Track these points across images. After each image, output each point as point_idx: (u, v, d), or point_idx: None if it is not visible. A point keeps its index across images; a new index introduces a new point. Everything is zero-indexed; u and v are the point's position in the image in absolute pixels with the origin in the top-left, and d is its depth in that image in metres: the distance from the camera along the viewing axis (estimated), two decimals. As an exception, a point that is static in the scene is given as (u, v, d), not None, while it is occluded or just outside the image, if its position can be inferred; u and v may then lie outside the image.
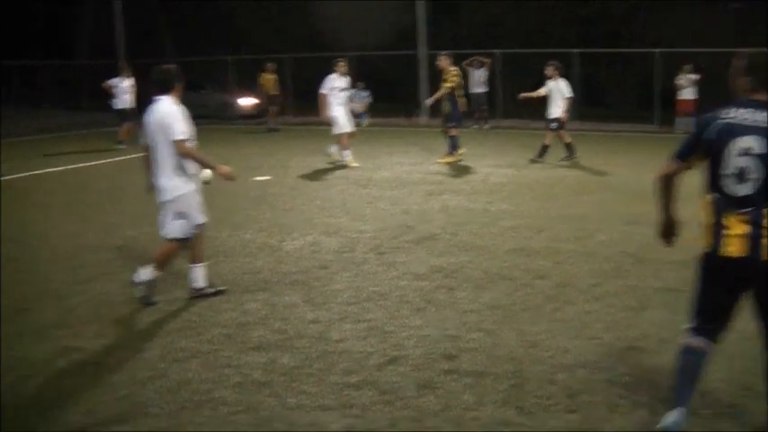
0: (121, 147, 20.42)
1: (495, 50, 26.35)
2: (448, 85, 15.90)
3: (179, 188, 7.18)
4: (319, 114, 16.41)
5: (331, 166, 16.11)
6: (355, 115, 26.03)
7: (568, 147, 16.19)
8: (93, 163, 18.18)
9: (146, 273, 7.25)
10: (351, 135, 16.32)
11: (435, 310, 6.88)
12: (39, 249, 9.62)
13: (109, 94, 21.25)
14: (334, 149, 16.39)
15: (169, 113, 7.10)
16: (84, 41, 34.85)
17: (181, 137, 7.06)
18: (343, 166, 15.88)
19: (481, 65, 25.05)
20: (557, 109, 16.03)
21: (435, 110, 24.42)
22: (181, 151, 7.08)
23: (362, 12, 31.99)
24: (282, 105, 26.89)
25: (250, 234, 9.92)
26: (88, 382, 5.61)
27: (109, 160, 18.57)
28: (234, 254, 8.90)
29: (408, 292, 7.43)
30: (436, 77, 17.24)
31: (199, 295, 7.37)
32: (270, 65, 25.91)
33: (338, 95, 16.15)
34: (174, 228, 7.26)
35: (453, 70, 16.09)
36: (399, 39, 29.17)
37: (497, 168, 15.54)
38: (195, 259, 7.44)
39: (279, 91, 26.20)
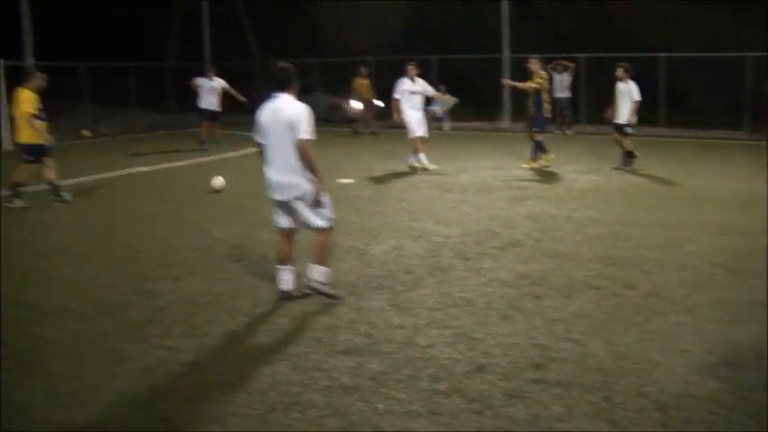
0: (204, 147, 20.82)
1: (578, 54, 26.05)
2: (533, 84, 15.79)
3: (306, 183, 7.20)
4: (392, 118, 16.54)
5: (414, 170, 16.13)
6: (436, 119, 26.07)
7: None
8: (178, 163, 18.55)
9: (321, 273, 7.33)
10: (423, 140, 16.31)
11: (523, 318, 6.84)
12: (127, 249, 9.86)
13: (195, 93, 21.66)
14: (411, 160, 16.41)
15: (298, 111, 7.15)
16: (173, 44, 35.53)
17: (306, 136, 7.11)
18: (425, 170, 15.91)
19: (564, 69, 24.79)
20: (626, 112, 15.79)
21: (518, 114, 24.32)
22: (302, 150, 7.10)
23: (445, 14, 31.97)
24: (376, 109, 26.74)
25: (337, 237, 9.95)
26: (178, 380, 5.72)
27: (192, 161, 18.93)
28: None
29: (495, 298, 7.40)
30: (520, 80, 17.14)
31: (286, 298, 7.46)
32: (363, 69, 25.88)
33: (410, 99, 16.25)
34: (319, 218, 7.31)
35: (542, 74, 16.00)
36: (482, 41, 29.00)
37: (582, 174, 15.38)
38: (285, 261, 7.53)
39: (372, 95, 26.16)
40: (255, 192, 13.63)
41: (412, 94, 16.27)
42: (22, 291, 8.10)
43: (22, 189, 12.95)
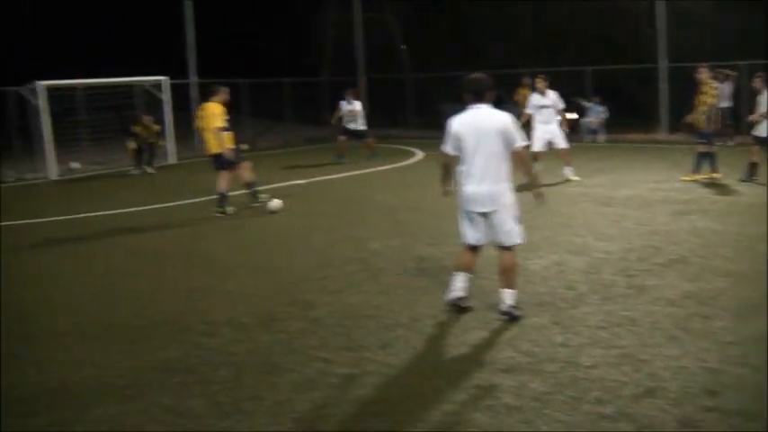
0: (342, 161, 21.09)
1: (739, 62, 24.88)
2: (709, 100, 15.15)
3: (510, 193, 7.25)
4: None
5: (571, 183, 15.78)
6: (591, 131, 25.51)
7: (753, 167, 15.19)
8: (333, 176, 18.81)
9: (511, 296, 7.31)
10: (537, 155, 16.08)
11: (691, 340, 6.49)
12: (286, 261, 10.04)
13: (340, 117, 22.16)
14: (568, 171, 16.14)
15: (506, 120, 7.14)
16: (327, 59, 36.09)
17: (522, 143, 7.19)
18: (581, 184, 15.57)
19: (726, 78, 23.74)
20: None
21: (675, 125, 23.45)
22: (521, 157, 7.23)
23: (599, 24, 31.19)
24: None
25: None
26: (336, 394, 5.71)
27: (347, 174, 19.13)
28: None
29: (660, 318, 7.08)
30: (677, 91, 16.46)
31: (456, 306, 7.40)
32: (526, 79, 25.45)
33: (541, 113, 16.20)
34: (518, 232, 7.33)
35: (713, 84, 15.36)
36: (638, 51, 28.14)
37: (747, 187, 14.62)
38: (466, 271, 7.50)
39: None
40: (411, 204, 13.72)
41: (542, 108, 16.19)
42: (188, 301, 8.37)
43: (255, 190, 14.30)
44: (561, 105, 16.59)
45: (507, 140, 7.07)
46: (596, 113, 25.86)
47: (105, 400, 5.76)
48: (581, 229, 11.17)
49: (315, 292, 8.41)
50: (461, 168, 7.27)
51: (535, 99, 16.27)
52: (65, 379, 6.24)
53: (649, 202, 13.26)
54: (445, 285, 8.03)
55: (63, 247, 11.67)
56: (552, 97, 16.30)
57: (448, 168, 7.52)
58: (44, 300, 8.76)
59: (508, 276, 7.35)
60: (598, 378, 5.75)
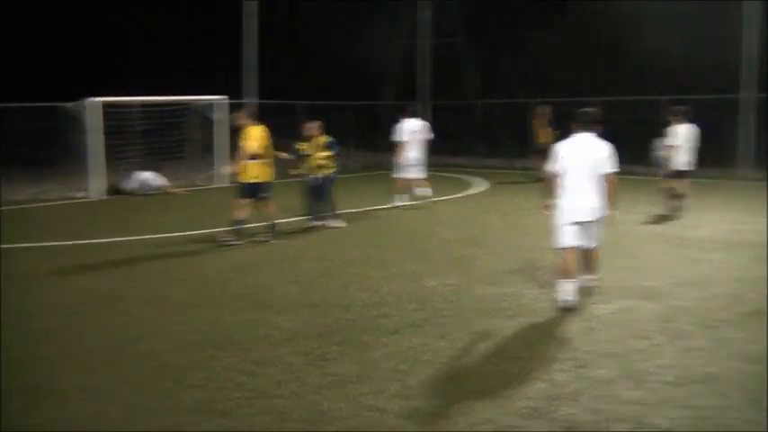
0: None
1: None
2: None
3: (603, 208, 8.65)
4: None
5: (645, 221, 15.00)
6: (658, 165, 24.49)
7: None
8: (386, 207, 18.06)
9: (593, 279, 9.12)
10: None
11: (787, 406, 5.81)
12: (340, 296, 9.53)
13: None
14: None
15: (607, 148, 8.64)
16: (391, 83, 35.65)
17: (614, 170, 8.62)
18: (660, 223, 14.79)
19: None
20: None
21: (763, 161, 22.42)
22: (611, 180, 8.63)
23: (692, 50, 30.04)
24: None
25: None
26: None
27: (398, 204, 18.52)
28: (537, 314, 8.32)
29: (747, 377, 6.44)
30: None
31: (570, 308, 8.46)
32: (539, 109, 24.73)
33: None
34: (599, 238, 8.91)
35: None
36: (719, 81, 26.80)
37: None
38: (572, 275, 8.73)
39: None
40: (469, 239, 13.16)
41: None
42: (233, 335, 7.91)
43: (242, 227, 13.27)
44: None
45: (605, 165, 8.53)
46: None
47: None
48: (653, 272, 10.50)
49: (371, 332, 7.92)
50: (565, 186, 8.61)
51: None
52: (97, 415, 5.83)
53: (729, 244, 12.51)
54: (505, 330, 7.56)
55: (106, 271, 11.27)
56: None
57: (552, 185, 8.76)
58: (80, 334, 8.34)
59: (594, 266, 9.06)
60: (675, 443, 5.14)
